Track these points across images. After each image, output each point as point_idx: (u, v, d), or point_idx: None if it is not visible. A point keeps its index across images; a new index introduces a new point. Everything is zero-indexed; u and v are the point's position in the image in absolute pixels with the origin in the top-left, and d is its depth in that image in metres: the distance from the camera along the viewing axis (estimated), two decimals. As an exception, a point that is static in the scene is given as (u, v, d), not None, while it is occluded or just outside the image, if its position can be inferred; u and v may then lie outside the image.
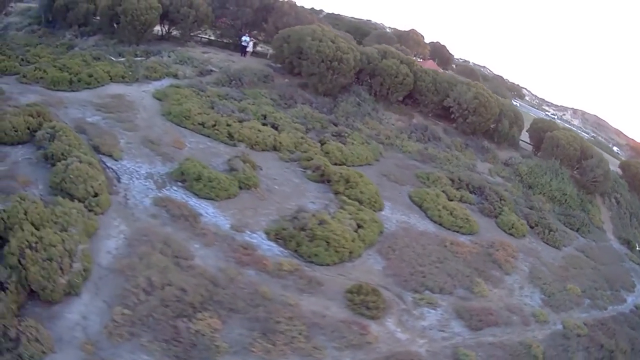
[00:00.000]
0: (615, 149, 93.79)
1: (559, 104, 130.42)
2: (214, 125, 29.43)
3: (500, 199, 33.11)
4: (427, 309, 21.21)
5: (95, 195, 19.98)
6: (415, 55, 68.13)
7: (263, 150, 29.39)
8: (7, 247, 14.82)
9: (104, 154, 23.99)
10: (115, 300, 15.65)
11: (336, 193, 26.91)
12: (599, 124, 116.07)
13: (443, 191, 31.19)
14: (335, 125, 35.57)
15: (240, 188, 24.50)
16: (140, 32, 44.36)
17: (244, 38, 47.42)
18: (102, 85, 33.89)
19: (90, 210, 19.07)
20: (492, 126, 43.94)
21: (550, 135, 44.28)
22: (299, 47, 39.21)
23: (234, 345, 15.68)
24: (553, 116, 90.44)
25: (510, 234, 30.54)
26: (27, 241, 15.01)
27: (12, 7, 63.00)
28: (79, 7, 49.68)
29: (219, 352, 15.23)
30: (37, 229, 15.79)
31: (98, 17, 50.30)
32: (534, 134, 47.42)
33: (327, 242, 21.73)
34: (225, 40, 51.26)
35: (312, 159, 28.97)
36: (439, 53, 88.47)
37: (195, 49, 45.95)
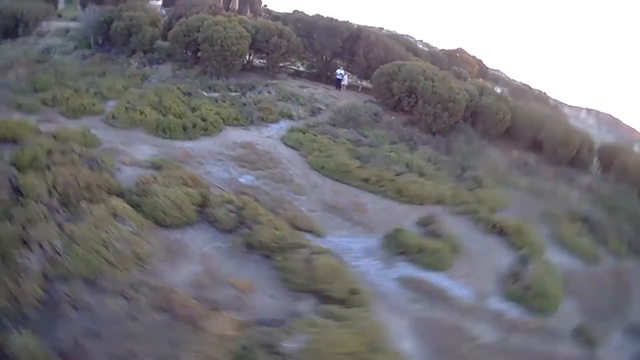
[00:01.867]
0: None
1: (573, 105, 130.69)
2: (378, 180, 26.67)
3: (603, 227, 30.83)
4: None
5: (354, 291, 16.70)
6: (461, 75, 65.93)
7: (432, 204, 26.62)
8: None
9: (302, 229, 20.81)
10: None
11: (511, 244, 24.55)
12: (613, 122, 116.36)
13: (567, 226, 29.10)
14: (463, 168, 32.93)
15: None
16: (231, 63, 40.98)
17: (338, 71, 44.97)
18: (220, 131, 30.93)
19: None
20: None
21: (621, 161, 42.19)
22: (410, 87, 36.88)
23: None
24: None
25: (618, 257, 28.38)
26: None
27: (43, 27, 56.74)
28: (144, 32, 45.30)
29: None
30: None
31: (165, 43, 47.06)
32: (603, 157, 45.74)
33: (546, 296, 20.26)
34: (314, 71, 48.75)
35: (478, 211, 26.50)
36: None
37: (288, 82, 43.10)
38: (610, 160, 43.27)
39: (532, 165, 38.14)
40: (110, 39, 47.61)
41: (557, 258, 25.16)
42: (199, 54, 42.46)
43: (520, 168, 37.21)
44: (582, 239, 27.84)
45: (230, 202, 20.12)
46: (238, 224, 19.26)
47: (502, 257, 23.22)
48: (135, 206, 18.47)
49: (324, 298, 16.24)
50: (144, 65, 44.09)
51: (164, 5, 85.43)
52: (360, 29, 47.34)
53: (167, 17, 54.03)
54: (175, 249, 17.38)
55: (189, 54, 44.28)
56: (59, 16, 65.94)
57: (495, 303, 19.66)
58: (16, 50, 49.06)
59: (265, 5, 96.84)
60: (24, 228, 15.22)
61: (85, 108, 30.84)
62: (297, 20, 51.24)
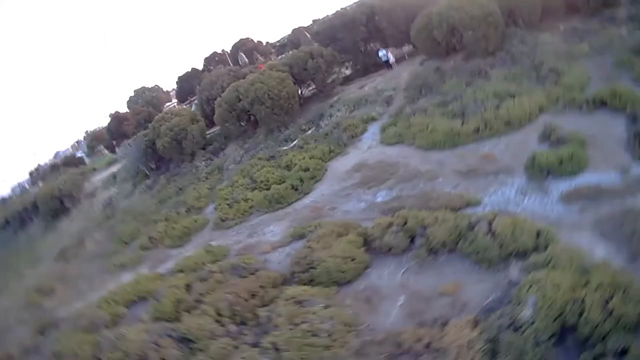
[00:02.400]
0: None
1: None
2: (486, 124, 28.66)
3: None
4: None
5: (537, 233, 17.44)
6: None
7: (537, 117, 28.42)
8: None
9: (461, 207, 22.39)
10: None
11: (616, 109, 25.98)
12: None
13: None
14: (534, 68, 34.38)
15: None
16: (289, 107, 41.95)
17: (380, 53, 46.05)
18: (326, 170, 32.43)
19: None
20: None
21: None
22: (449, 25, 38.06)
23: None
24: None
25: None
26: None
27: (86, 189, 57.97)
28: (191, 132, 46.29)
29: None
30: None
31: (213, 132, 48.15)
32: None
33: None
34: (359, 67, 49.70)
35: (574, 98, 28.28)
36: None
37: (346, 91, 44.34)
38: None
39: (579, 28, 38.81)
40: (162, 158, 48.83)
41: None
42: (251, 118, 43.55)
43: (573, 36, 38.03)
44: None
45: (390, 224, 20.41)
46: (410, 239, 19.88)
47: (617, 126, 24.65)
48: (309, 282, 19.05)
49: (522, 255, 17.37)
50: (211, 159, 45.09)
51: (179, 101, 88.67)
52: (372, 5, 48.13)
53: (198, 109, 55.17)
54: (372, 296, 17.90)
55: (243, 124, 45.25)
56: (94, 170, 67.71)
57: (638, 169, 20.85)
58: (79, 222, 49.63)
59: (267, 42, 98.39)
60: None
61: (188, 228, 31.79)
62: (316, 34, 53.05)
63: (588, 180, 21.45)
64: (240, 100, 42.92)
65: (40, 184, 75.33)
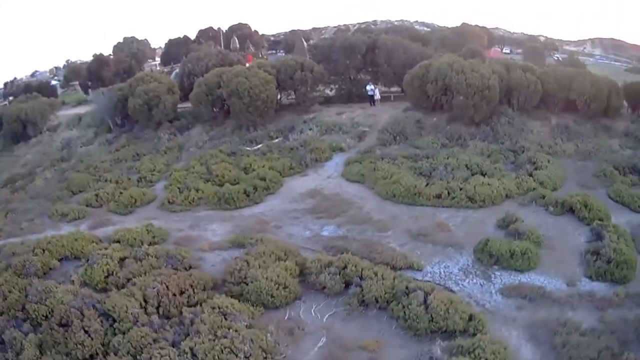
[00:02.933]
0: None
1: (575, 39, 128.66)
2: (449, 193, 28.24)
3: None
4: None
5: (470, 317, 17.76)
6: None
7: (502, 201, 28.17)
8: None
9: (401, 269, 22.08)
10: None
11: (581, 219, 26.00)
12: (617, 45, 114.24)
13: (621, 182, 30.63)
14: (513, 152, 34.52)
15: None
16: (264, 111, 41.32)
17: (368, 87, 45.49)
18: (281, 185, 32.22)
19: None
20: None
21: None
22: (444, 84, 37.99)
23: None
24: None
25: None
26: None
27: (52, 119, 58.04)
28: (163, 101, 45.38)
29: None
30: None
31: (186, 107, 47.32)
32: (630, 97, 46.05)
33: (626, 263, 21.50)
34: (343, 92, 49.08)
35: (544, 196, 27.98)
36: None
37: (324, 112, 43.83)
38: (638, 98, 44.30)
39: (572, 127, 39.17)
40: (129, 117, 47.91)
41: (621, 218, 26.51)
42: (225, 107, 42.79)
43: (563, 133, 38.37)
44: (636, 191, 29.20)
45: (330, 264, 20.47)
46: (345, 284, 19.94)
47: (578, 236, 24.55)
48: (239, 296, 18.96)
49: (450, 334, 17.31)
50: (175, 135, 44.27)
51: (162, 63, 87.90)
52: (376, 39, 48.20)
53: (177, 79, 54.28)
54: (295, 328, 17.77)
55: (216, 111, 44.45)
56: (63, 103, 67.33)
57: (585, 285, 20.80)
58: (33, 153, 49.53)
59: (263, 34, 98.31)
60: (135, 357, 15.39)
61: (135, 200, 31.04)
62: (313, 47, 52.54)
63: (533, 281, 21.15)
64: (220, 87, 42.30)
65: (10, 99, 76.52)
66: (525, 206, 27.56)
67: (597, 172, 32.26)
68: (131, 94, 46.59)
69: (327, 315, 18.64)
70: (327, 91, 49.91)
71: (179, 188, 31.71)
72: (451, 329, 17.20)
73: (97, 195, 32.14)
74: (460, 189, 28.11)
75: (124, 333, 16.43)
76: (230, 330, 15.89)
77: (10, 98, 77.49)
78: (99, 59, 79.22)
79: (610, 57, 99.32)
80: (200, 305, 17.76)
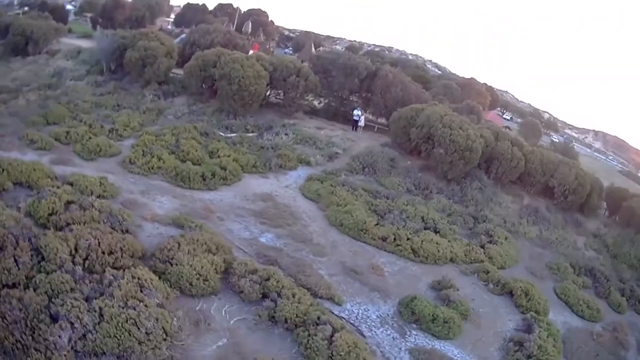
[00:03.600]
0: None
1: (580, 127, 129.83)
2: (395, 239, 27.46)
3: (606, 279, 32.31)
4: None
5: None
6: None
7: (444, 263, 27.53)
8: None
9: (323, 297, 21.39)
10: None
11: (517, 305, 25.61)
12: (619, 144, 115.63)
13: (572, 281, 30.52)
14: (474, 218, 33.96)
15: (462, 319, 22.72)
16: (248, 103, 40.90)
17: (356, 112, 45.09)
18: (240, 180, 31.33)
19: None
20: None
21: (627, 205, 44.30)
22: (428, 133, 37.56)
23: None
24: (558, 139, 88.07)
25: (618, 312, 30.07)
26: None
27: (53, 45, 58.54)
28: (158, 62, 45.07)
29: None
30: None
31: (179, 75, 46.90)
32: (610, 200, 47.05)
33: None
34: (330, 109, 48.88)
35: (488, 272, 27.38)
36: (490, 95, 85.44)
37: (305, 121, 43.42)
38: (618, 203, 45.36)
39: (542, 211, 39.07)
40: (123, 66, 47.63)
41: (560, 317, 26.32)
42: (214, 87, 42.38)
43: (531, 215, 38.15)
44: (584, 295, 29.04)
45: (255, 271, 19.96)
46: (262, 295, 19.34)
47: (509, 321, 24.13)
48: (161, 274, 18.48)
49: None
50: (159, 98, 44.04)
51: (175, 24, 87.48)
52: (378, 68, 47.90)
53: (180, 44, 54.23)
54: (201, 321, 17.30)
55: (204, 87, 44.12)
56: (69, 31, 68.31)
57: None
58: (26, 71, 49.95)
59: (278, 27, 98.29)
60: (50, 299, 15.23)
61: (101, 149, 30.72)
62: (316, 57, 51.87)
63: (446, 351, 20.57)
64: (215, 66, 41.89)
65: (25, 9, 76.95)
66: (466, 275, 27.06)
67: (551, 264, 31.96)
68: (132, 45, 46.41)
69: (235, 319, 18.13)
70: (316, 102, 49.55)
71: (143, 151, 31.17)
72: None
73: (67, 132, 31.92)
74: (408, 239, 27.49)
75: (48, 273, 16.37)
76: (141, 303, 15.70)
77: (26, 8, 77.97)
78: (116, 0, 78.87)
79: (608, 153, 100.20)
80: (124, 270, 17.42)
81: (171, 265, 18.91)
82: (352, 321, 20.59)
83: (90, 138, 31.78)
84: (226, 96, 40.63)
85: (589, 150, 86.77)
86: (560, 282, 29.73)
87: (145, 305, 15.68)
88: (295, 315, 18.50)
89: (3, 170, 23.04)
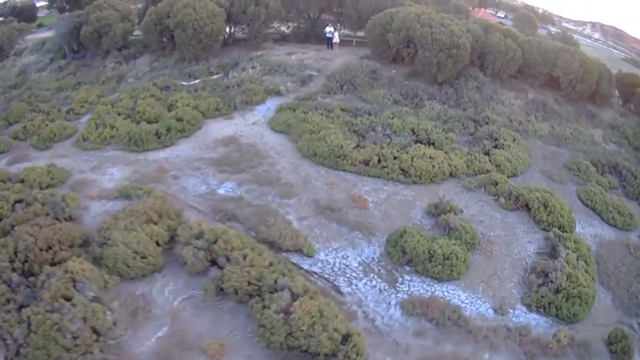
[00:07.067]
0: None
1: (577, 19, 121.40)
2: (379, 161, 22.00)
3: (633, 176, 26.78)
4: None
5: (345, 337, 13.04)
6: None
7: (442, 180, 22.01)
8: None
9: (288, 250, 16.80)
10: None
11: (537, 221, 20.12)
12: (618, 34, 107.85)
13: (597, 182, 24.99)
14: (474, 121, 28.28)
15: (468, 250, 17.50)
16: (207, 44, 35.80)
17: (327, 29, 39.18)
18: (200, 128, 26.25)
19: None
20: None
21: None
22: (407, 36, 31.65)
23: None
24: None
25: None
26: None
27: (21, 43, 53.68)
28: (114, 29, 40.81)
29: None
30: None
31: (140, 36, 42.17)
32: (622, 88, 41.30)
33: (580, 297, 16.33)
34: (301, 32, 42.76)
35: (497, 183, 21.81)
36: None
37: (274, 50, 37.74)
38: (630, 91, 39.80)
39: (550, 105, 33.42)
40: (83, 44, 43.74)
41: (589, 229, 21.21)
42: (174, 38, 37.71)
43: (539, 110, 32.45)
44: (613, 198, 23.59)
45: (201, 234, 16.02)
46: (209, 263, 15.44)
47: (528, 244, 19.04)
48: (99, 259, 15.53)
49: (310, 355, 12.76)
50: (120, 64, 39.88)
51: None
52: None
53: (141, 7, 49.26)
54: (140, 309, 14.30)
55: (165, 41, 39.58)
56: (40, 26, 64.08)
57: (519, 316, 15.78)
58: None
59: None
60: None
61: (55, 134, 26.73)
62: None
63: (450, 296, 15.81)
64: (169, 17, 36.70)
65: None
66: (470, 191, 21.64)
67: (569, 164, 26.44)
68: (86, 21, 42.15)
69: (180, 298, 14.75)
70: (284, 28, 43.90)
71: (96, 124, 26.95)
72: (314, 350, 12.74)
73: (25, 127, 28.24)
74: (395, 158, 22.11)
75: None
76: (68, 303, 13.31)
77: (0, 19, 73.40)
78: (76, -21, 73.78)
79: (609, 43, 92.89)
80: (61, 265, 14.84)
81: (109, 247, 15.72)
82: (326, 275, 15.88)
83: (46, 125, 27.89)
84: (183, 43, 35.88)
85: (589, 41, 79.70)
86: (584, 185, 24.30)
87: (73, 305, 13.32)
88: (247, 283, 14.36)
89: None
